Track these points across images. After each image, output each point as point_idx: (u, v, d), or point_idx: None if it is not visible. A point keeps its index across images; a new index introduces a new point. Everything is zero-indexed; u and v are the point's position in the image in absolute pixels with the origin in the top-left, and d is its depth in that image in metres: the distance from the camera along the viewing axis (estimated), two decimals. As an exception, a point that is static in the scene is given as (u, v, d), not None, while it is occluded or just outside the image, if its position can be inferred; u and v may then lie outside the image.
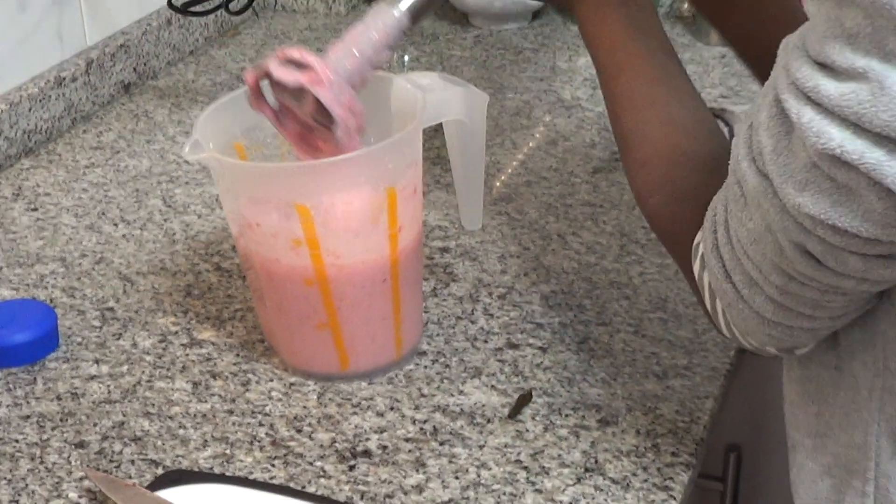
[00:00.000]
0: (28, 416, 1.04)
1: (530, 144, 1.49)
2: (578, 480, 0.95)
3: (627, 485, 0.94)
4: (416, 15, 1.01)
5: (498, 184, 1.39)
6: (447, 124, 1.11)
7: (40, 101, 1.50)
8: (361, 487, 0.95)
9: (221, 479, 0.95)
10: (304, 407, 1.04)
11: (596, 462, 0.97)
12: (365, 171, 0.99)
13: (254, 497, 0.93)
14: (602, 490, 0.94)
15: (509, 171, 1.43)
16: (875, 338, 0.79)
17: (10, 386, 1.07)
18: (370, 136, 1.04)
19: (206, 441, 1.00)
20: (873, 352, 0.79)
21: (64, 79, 1.53)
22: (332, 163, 0.99)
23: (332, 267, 1.01)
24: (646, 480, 0.95)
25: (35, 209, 1.37)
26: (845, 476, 0.83)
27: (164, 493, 0.92)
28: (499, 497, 0.93)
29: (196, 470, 0.97)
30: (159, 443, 1.00)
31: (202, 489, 0.93)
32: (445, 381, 1.06)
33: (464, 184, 1.14)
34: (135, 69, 1.66)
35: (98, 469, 0.97)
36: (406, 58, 1.76)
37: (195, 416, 1.03)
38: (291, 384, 1.06)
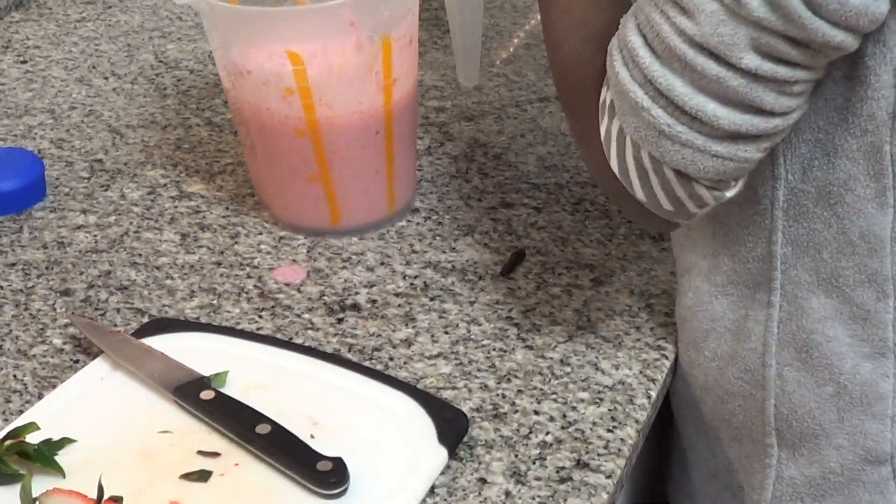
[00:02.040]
0: (13, 264, 1.02)
1: (531, 7, 1.46)
2: (570, 338, 0.93)
3: (619, 343, 0.93)
4: None
5: (496, 46, 1.36)
6: (445, -25, 1.08)
7: (30, -48, 1.46)
8: (349, 340, 0.93)
9: (207, 328, 0.94)
10: (294, 260, 1.02)
11: (588, 320, 0.95)
12: (360, 18, 0.96)
13: (239, 346, 0.91)
14: (593, 348, 0.92)
15: (508, 33, 1.40)
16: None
17: (-4, 233, 1.06)
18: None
19: (192, 291, 0.98)
20: (773, 158, 0.78)
21: (55, -70, 1.49)
22: (325, 7, 0.96)
23: (324, 117, 0.98)
24: (638, 340, 0.93)
25: (24, 62, 1.34)
26: (745, 292, 0.84)
27: (149, 341, 0.91)
28: (488, 352, 0.92)
29: (182, 319, 0.95)
30: (145, 292, 0.99)
31: (187, 337, 0.92)
32: (438, 238, 1.04)
33: (461, 37, 1.11)
34: (128, -76, 1.62)
35: (83, 316, 0.96)
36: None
37: (182, 266, 1.01)
38: (281, 238, 1.05)
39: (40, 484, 0.78)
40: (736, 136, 0.73)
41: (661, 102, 0.73)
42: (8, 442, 0.81)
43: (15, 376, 0.90)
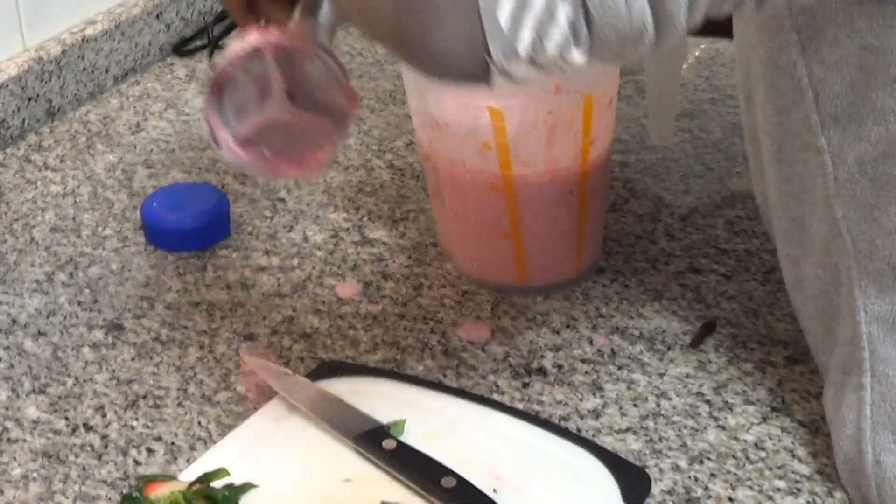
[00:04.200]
0: (198, 304, 1.02)
1: (715, 60, 1.42)
2: (764, 419, 0.90)
3: (816, 429, 0.89)
4: None
5: (680, 99, 1.33)
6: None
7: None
8: (536, 407, 0.91)
9: (379, 372, 0.92)
10: (478, 317, 1.00)
11: (783, 402, 0.92)
12: (564, 80, 0.94)
13: (412, 393, 0.90)
14: (789, 432, 0.89)
15: (692, 87, 1.37)
16: None
17: (181, 271, 1.06)
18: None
19: (376, 344, 0.97)
20: (839, 238, 0.79)
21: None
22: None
23: (520, 175, 0.96)
24: (835, 425, 0.90)
25: (207, 91, 1.35)
26: (840, 377, 0.82)
27: (321, 384, 0.90)
28: (679, 430, 0.89)
29: (356, 363, 0.94)
30: (328, 342, 0.97)
31: (360, 382, 0.91)
32: (625, 302, 1.02)
33: (657, 95, 1.08)
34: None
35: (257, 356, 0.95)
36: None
37: (365, 317, 1.00)
38: (465, 292, 1.03)
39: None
40: None
41: None
42: (195, 487, 0.80)
43: (199, 423, 0.90)
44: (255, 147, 0.80)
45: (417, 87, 0.98)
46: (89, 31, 1.32)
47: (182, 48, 1.42)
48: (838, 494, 0.84)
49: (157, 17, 1.40)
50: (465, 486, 0.80)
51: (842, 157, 0.76)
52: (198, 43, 1.43)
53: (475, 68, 0.61)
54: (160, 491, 0.80)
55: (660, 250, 1.08)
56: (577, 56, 0.60)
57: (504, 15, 0.60)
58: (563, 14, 0.59)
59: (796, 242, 0.86)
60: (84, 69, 1.31)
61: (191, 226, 1.07)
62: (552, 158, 0.96)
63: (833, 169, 0.77)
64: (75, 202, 1.15)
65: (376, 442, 0.85)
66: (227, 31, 1.44)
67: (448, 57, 0.61)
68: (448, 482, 0.81)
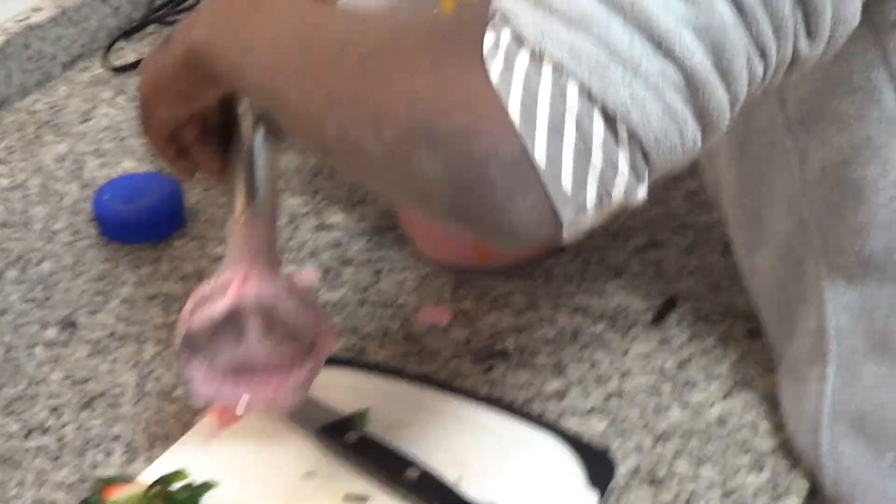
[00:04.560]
0: (154, 297, 1.00)
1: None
2: (727, 395, 0.90)
3: (778, 403, 0.89)
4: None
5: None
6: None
7: None
8: (499, 390, 0.90)
9: (340, 362, 0.91)
10: (439, 301, 0.99)
11: (745, 376, 0.91)
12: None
13: (375, 382, 0.89)
14: (752, 407, 0.89)
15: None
16: None
17: (136, 263, 1.04)
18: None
19: (337, 332, 0.96)
20: (819, 231, 0.79)
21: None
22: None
23: (475, 156, 0.95)
24: (799, 399, 0.89)
25: (158, 76, 1.33)
26: (802, 368, 0.83)
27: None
28: (643, 409, 0.88)
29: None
30: (288, 331, 0.96)
31: (322, 373, 0.90)
32: (586, 280, 1.01)
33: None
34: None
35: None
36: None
37: (325, 304, 0.99)
38: (426, 275, 1.02)
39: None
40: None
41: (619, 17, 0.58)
42: (154, 490, 0.79)
43: (158, 421, 0.88)
44: (227, 380, 0.81)
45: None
46: (34, 19, 1.30)
47: (131, 32, 1.40)
48: (801, 469, 0.84)
49: (104, 1, 1.38)
50: (428, 478, 0.80)
51: (808, 158, 0.76)
52: (147, 28, 1.41)
53: (547, 233, 0.60)
54: (118, 495, 0.79)
55: (620, 225, 1.07)
56: (641, 192, 0.60)
57: (567, 178, 0.57)
58: (624, 161, 0.57)
59: (753, 232, 0.85)
60: (30, 57, 1.29)
61: (144, 217, 1.06)
62: (507, 138, 0.95)
63: (800, 168, 0.77)
64: (24, 196, 1.13)
65: (339, 434, 0.84)
66: (175, 13, 1.41)
67: (519, 231, 0.59)
68: (412, 473, 0.80)
